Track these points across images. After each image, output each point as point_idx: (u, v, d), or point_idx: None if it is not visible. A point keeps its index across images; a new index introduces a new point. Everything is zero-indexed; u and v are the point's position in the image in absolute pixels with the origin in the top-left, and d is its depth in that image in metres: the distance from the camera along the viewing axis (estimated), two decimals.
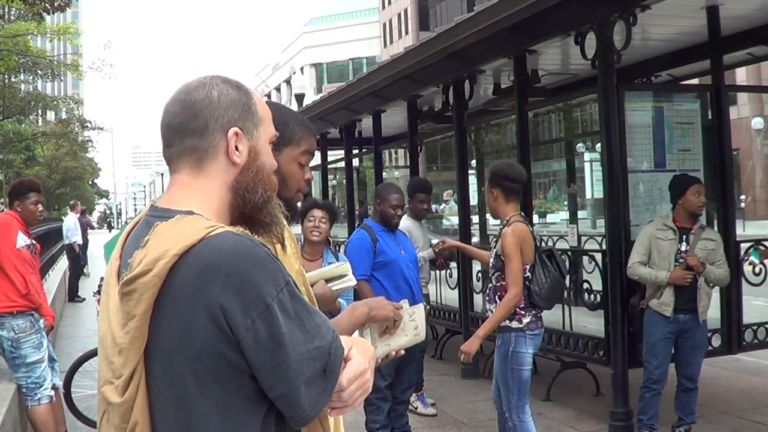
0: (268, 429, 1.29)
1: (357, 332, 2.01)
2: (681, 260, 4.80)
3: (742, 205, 27.10)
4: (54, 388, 4.91)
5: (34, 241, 5.01)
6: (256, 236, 1.41)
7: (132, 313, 1.23)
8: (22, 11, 16.81)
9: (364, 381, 1.34)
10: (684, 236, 4.88)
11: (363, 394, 1.35)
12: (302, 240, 4.39)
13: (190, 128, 1.36)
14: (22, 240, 4.77)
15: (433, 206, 13.05)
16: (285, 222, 1.78)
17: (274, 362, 1.21)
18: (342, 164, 11.33)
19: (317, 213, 4.39)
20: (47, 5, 12.86)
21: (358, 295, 4.75)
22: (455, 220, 9.63)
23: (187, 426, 1.24)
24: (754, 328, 5.84)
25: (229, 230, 1.27)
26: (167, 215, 1.31)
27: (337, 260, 4.33)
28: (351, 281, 2.07)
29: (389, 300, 1.98)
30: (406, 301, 1.96)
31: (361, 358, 1.34)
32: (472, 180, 8.51)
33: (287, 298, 1.24)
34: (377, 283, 4.81)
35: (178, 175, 1.39)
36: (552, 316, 5.74)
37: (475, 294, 7.16)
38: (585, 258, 5.80)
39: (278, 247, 1.74)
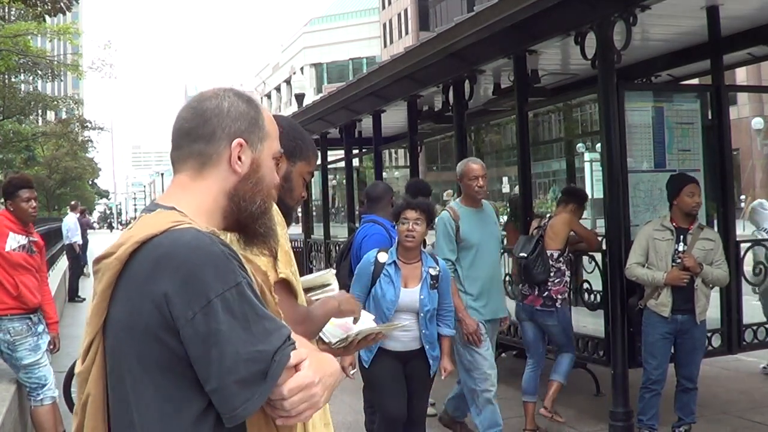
0: (207, 418, 1.31)
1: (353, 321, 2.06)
2: (678, 261, 4.80)
3: (742, 205, 27.09)
4: None
5: (34, 238, 4.92)
6: (250, 246, 1.51)
7: (96, 290, 1.34)
8: (22, 11, 16.80)
9: (310, 395, 1.34)
10: (681, 236, 4.87)
11: (309, 408, 1.35)
12: (396, 243, 4.24)
13: (198, 134, 1.44)
14: (14, 241, 4.71)
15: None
16: (280, 231, 1.82)
17: (209, 357, 1.25)
18: (342, 164, 11.32)
19: (411, 214, 4.10)
20: (48, 7, 12.85)
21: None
22: None
23: (128, 403, 1.30)
24: (754, 328, 5.84)
25: (193, 227, 1.33)
26: (153, 208, 1.42)
27: (437, 263, 4.21)
28: (334, 291, 2.08)
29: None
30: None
31: (310, 371, 1.34)
32: None
33: (235, 298, 1.27)
34: None
35: (179, 175, 1.47)
36: None
37: None
38: (585, 258, 5.79)
39: (269, 260, 1.78)
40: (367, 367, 4.15)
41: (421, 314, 4.07)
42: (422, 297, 4.08)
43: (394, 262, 4.12)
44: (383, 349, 4.08)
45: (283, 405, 1.33)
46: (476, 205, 4.92)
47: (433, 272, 4.12)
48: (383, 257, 4.15)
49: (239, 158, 1.44)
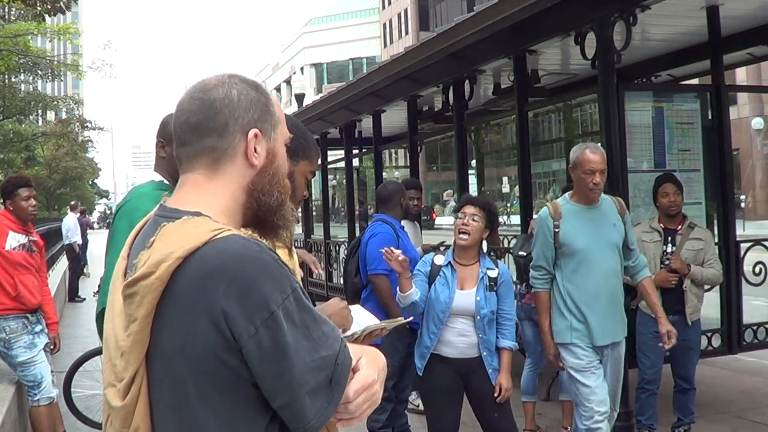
0: None
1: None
2: (667, 262, 4.78)
3: (742, 205, 27.10)
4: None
5: (34, 238, 4.93)
6: (264, 239, 1.37)
7: (134, 315, 1.21)
8: (22, 11, 16.80)
9: (372, 393, 1.30)
10: (670, 237, 4.86)
11: (371, 406, 1.30)
12: (453, 244, 4.02)
13: (209, 127, 1.31)
14: (13, 240, 4.73)
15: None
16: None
17: (277, 371, 1.18)
18: (342, 164, 11.33)
19: (468, 209, 3.87)
20: (48, 7, 12.86)
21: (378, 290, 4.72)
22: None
23: None
24: (754, 328, 5.84)
25: (235, 233, 1.23)
26: (175, 215, 1.28)
27: (496, 265, 3.95)
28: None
29: None
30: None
31: (370, 369, 1.30)
32: (472, 180, 8.51)
33: (293, 306, 1.20)
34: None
35: (191, 174, 1.34)
36: None
37: None
38: None
39: (285, 252, 1.75)
40: (420, 375, 3.88)
41: (478, 317, 3.81)
42: (478, 299, 3.81)
43: (450, 263, 3.92)
44: (437, 355, 3.86)
45: (348, 408, 1.27)
46: (590, 201, 4.05)
47: (491, 274, 3.86)
48: (439, 259, 3.95)
49: (255, 150, 1.33)
